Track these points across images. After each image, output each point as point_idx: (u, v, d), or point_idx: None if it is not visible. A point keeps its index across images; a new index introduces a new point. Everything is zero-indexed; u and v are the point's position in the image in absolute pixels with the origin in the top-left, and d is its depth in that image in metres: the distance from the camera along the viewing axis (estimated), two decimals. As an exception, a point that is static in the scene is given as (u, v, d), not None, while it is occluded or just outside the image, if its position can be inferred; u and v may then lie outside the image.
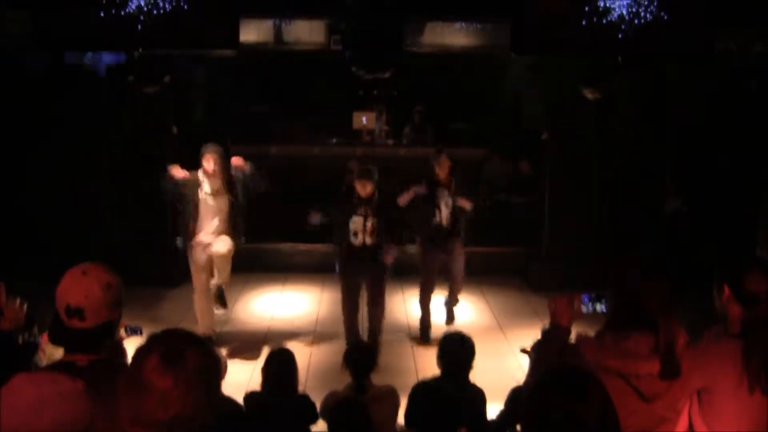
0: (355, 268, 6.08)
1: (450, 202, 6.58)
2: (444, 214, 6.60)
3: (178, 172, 6.06)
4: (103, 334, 2.17)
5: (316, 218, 6.09)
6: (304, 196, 9.19)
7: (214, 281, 6.36)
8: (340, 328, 6.70)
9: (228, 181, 6.10)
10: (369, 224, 5.94)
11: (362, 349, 4.33)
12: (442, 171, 6.57)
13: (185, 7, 7.06)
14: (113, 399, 1.64)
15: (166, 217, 8.08)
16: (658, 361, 2.46)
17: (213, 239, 6.13)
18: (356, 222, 5.94)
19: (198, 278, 6.25)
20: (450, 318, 7.00)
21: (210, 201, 6.09)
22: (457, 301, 7.06)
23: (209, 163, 5.97)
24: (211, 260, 6.21)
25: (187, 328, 1.87)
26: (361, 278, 6.16)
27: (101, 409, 1.99)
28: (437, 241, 6.64)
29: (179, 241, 6.21)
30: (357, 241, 5.98)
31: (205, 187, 6.07)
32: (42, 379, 1.64)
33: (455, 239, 6.69)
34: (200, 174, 6.06)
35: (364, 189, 5.90)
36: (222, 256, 6.16)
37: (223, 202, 6.11)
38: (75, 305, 2.10)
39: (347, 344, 5.66)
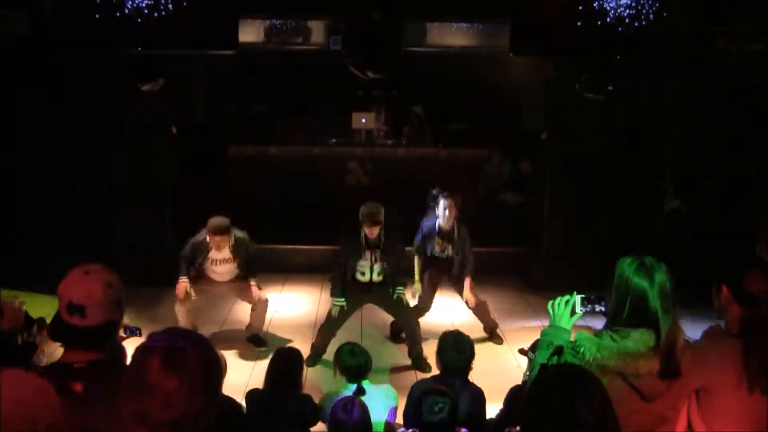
0: (358, 293, 6.06)
1: (452, 251, 6.41)
2: (446, 253, 6.47)
3: (181, 292, 6.17)
4: (103, 333, 2.17)
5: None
6: (304, 197, 9.23)
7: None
8: (341, 330, 6.69)
9: (234, 251, 6.18)
10: (377, 267, 5.95)
11: (352, 351, 4.30)
12: (446, 222, 6.24)
13: (185, 6, 7.07)
14: (114, 400, 1.63)
15: (165, 217, 8.09)
16: (658, 360, 2.46)
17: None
18: (363, 266, 5.94)
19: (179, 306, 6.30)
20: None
21: (217, 267, 6.25)
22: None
23: (213, 242, 6.05)
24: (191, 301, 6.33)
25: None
26: (364, 301, 6.16)
27: (101, 411, 1.99)
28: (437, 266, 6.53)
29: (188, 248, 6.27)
30: (364, 278, 5.99)
31: (212, 255, 6.18)
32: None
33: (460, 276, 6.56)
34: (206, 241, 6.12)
35: (372, 232, 5.84)
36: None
37: (231, 268, 6.27)
38: (77, 302, 2.11)
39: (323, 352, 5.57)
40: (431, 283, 6.58)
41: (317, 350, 6.07)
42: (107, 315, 2.16)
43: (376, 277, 5.96)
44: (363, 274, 5.95)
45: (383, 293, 6.07)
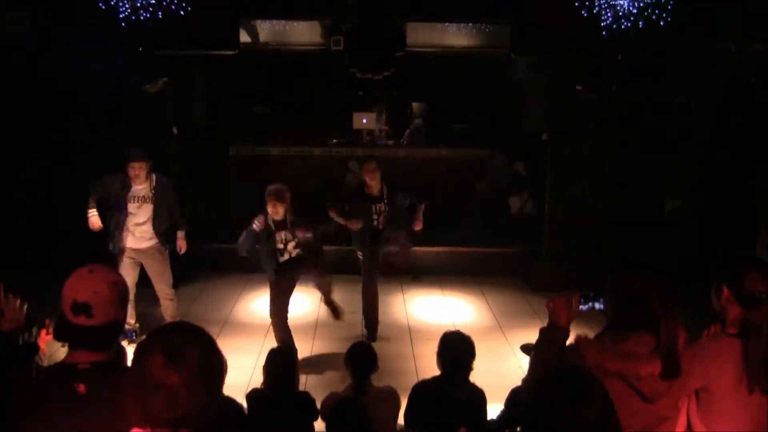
0: (286, 269, 6.02)
1: (385, 213, 6.59)
2: (379, 222, 6.63)
3: (94, 223, 6.19)
4: (108, 333, 2.17)
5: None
6: (304, 197, 9.23)
7: None
8: (340, 330, 6.71)
9: (155, 187, 6.21)
10: (290, 246, 5.92)
11: (362, 350, 4.32)
12: (373, 181, 6.50)
13: (186, 7, 7.08)
14: (117, 401, 1.64)
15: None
16: (659, 361, 2.46)
17: (142, 245, 6.26)
18: (278, 243, 5.91)
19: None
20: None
21: (137, 206, 6.19)
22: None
23: (134, 170, 6.06)
24: (137, 267, 6.32)
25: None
26: (297, 274, 6.12)
27: (104, 412, 1.99)
28: (377, 242, 6.69)
29: (111, 246, 6.24)
30: (282, 258, 5.97)
31: (133, 192, 6.16)
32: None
33: (395, 235, 6.81)
34: (127, 178, 6.13)
35: (276, 211, 5.78)
36: (157, 265, 6.37)
37: (149, 207, 6.22)
38: (82, 301, 2.10)
39: (277, 349, 5.10)
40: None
41: (284, 338, 6.04)
42: (113, 314, 2.16)
43: (294, 253, 5.96)
44: (281, 253, 5.94)
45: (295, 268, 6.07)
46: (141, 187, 6.15)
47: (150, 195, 6.19)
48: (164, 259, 6.40)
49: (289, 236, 5.89)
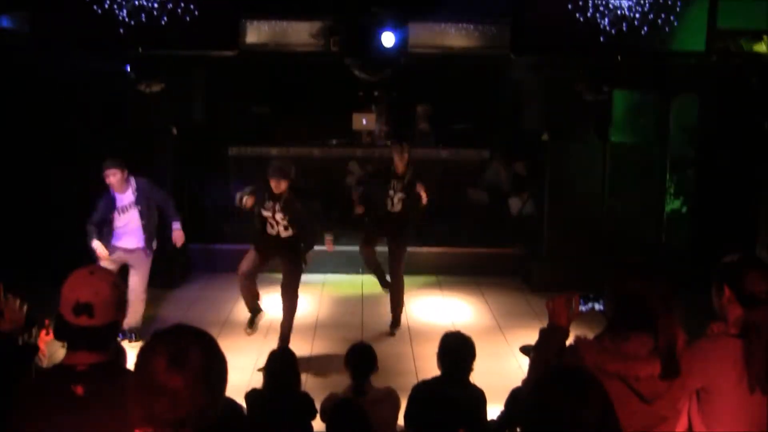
0: (268, 249, 6.15)
1: (402, 195, 6.65)
2: (395, 203, 6.69)
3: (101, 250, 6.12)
4: (108, 333, 2.17)
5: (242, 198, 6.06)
6: (304, 198, 9.23)
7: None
8: (340, 330, 6.71)
9: (135, 190, 6.22)
10: (278, 217, 6.04)
11: (362, 350, 4.32)
12: (400, 162, 6.59)
13: (186, 8, 7.08)
14: (115, 402, 1.64)
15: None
16: (658, 362, 2.46)
17: (130, 245, 6.29)
18: (266, 215, 6.05)
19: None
20: (396, 323, 6.91)
21: (126, 215, 6.21)
22: (401, 304, 6.97)
23: (109, 178, 6.07)
24: (118, 267, 6.26)
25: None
26: (273, 257, 6.23)
27: (102, 414, 1.99)
28: (385, 226, 6.76)
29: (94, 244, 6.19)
30: (272, 231, 6.10)
31: (118, 203, 6.18)
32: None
33: (403, 229, 6.79)
34: (110, 193, 6.16)
35: (278, 186, 5.94)
36: (141, 265, 6.37)
37: (135, 212, 6.24)
38: (84, 301, 2.10)
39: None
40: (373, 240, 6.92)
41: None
42: (114, 314, 2.16)
43: (283, 232, 6.07)
44: (271, 226, 6.06)
45: (289, 251, 6.14)
46: (123, 195, 6.17)
47: (132, 200, 6.22)
48: (148, 261, 6.43)
49: (278, 209, 6.00)
